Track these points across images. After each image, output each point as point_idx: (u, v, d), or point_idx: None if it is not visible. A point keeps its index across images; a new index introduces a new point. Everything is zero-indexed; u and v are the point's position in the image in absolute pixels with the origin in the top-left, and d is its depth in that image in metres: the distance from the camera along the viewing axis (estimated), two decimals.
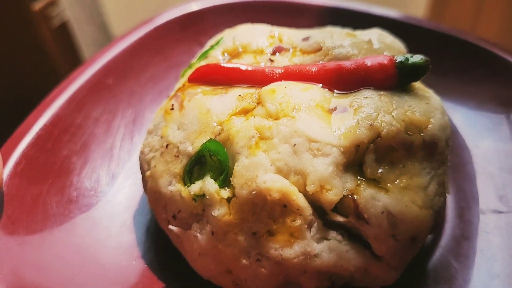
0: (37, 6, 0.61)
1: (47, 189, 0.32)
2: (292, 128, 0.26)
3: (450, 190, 0.36)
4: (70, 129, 0.36)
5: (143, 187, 0.31)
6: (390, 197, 0.25)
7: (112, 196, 0.34)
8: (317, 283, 0.27)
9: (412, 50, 0.43)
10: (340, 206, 0.26)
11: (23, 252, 0.28)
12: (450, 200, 0.36)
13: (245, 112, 0.28)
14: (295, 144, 0.25)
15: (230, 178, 0.26)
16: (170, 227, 0.28)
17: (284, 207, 0.25)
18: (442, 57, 0.44)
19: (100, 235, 0.31)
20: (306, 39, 0.33)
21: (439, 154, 0.28)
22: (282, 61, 0.32)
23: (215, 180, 0.26)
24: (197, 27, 0.46)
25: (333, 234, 0.26)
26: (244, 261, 0.26)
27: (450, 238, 0.33)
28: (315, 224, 0.25)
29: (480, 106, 0.40)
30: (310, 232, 0.25)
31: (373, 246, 0.26)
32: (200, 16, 0.47)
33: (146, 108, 0.40)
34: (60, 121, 0.35)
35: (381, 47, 0.32)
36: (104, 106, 0.38)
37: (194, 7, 0.47)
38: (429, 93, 0.30)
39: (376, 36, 0.33)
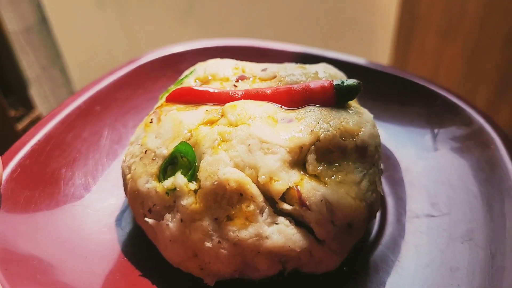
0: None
1: (38, 194, 0.37)
2: (248, 132, 0.32)
3: (391, 200, 0.42)
4: (61, 146, 0.41)
5: (124, 191, 0.36)
6: (328, 189, 0.31)
7: (96, 202, 0.39)
8: (270, 264, 0.31)
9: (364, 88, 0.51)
10: (287, 197, 0.31)
11: (15, 240, 0.32)
12: (390, 207, 0.42)
13: (211, 122, 0.34)
14: (249, 145, 0.31)
15: (197, 173, 0.31)
16: (146, 219, 0.33)
17: (240, 195, 0.30)
18: (388, 91, 0.52)
19: (84, 233, 0.36)
20: (264, 70, 0.40)
21: (369, 157, 0.34)
22: (244, 87, 0.38)
23: (184, 175, 0.32)
24: (175, 66, 0.53)
25: (281, 219, 0.31)
26: (207, 244, 0.31)
27: (389, 237, 0.39)
28: (266, 210, 0.31)
29: (415, 129, 0.47)
30: (262, 217, 0.30)
31: (315, 231, 0.31)
32: (179, 57, 0.54)
33: (129, 132, 0.46)
34: (52, 139, 0.40)
35: (325, 76, 0.39)
36: (92, 128, 0.44)
37: (174, 49, 0.54)
38: (363, 110, 0.37)
39: (322, 68, 0.40)
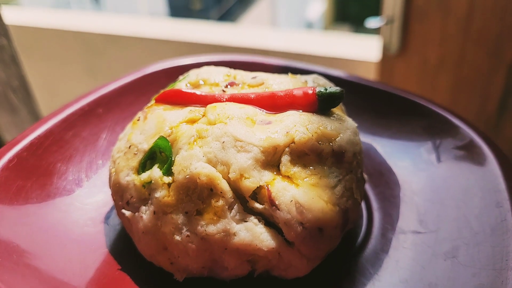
0: None
1: (30, 184, 0.38)
2: (223, 130, 0.32)
3: (378, 214, 0.42)
4: (59, 143, 0.43)
5: (109, 185, 0.38)
6: (299, 190, 0.31)
7: (85, 197, 0.40)
8: (238, 262, 0.31)
9: (362, 106, 0.51)
10: (259, 196, 0.31)
11: (0, 225, 0.34)
12: (377, 221, 0.41)
13: (192, 121, 0.35)
14: (223, 142, 0.32)
15: (172, 168, 0.32)
16: (123, 211, 0.34)
17: (210, 190, 0.31)
18: (387, 111, 0.52)
19: (68, 224, 0.37)
20: (254, 77, 0.41)
21: (346, 163, 0.34)
22: (233, 92, 0.39)
23: (160, 169, 0.33)
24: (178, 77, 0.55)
25: (251, 218, 0.31)
26: (177, 237, 0.31)
27: (371, 251, 0.38)
28: (236, 207, 0.31)
29: (412, 147, 0.47)
30: (231, 213, 0.31)
31: (284, 231, 0.31)
32: (183, 69, 0.55)
33: None
34: (51, 135, 0.43)
35: (314, 85, 0.40)
36: (92, 129, 0.46)
37: (179, 62, 0.56)
38: (346, 118, 0.37)
39: (312, 78, 0.41)
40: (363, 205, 0.43)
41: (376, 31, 0.95)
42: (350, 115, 0.43)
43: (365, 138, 0.49)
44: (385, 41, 0.91)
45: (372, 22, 0.90)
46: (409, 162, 0.46)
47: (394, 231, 0.39)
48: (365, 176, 0.39)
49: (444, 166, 0.44)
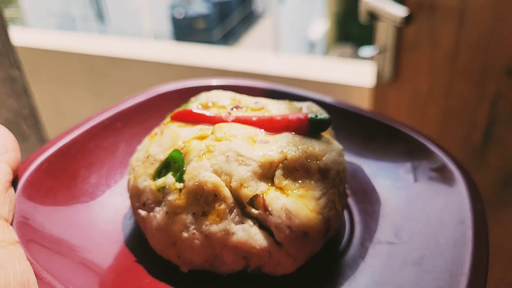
0: None
1: (58, 186, 0.44)
2: (228, 146, 0.39)
3: (359, 227, 0.47)
4: (83, 151, 0.49)
5: (127, 189, 0.44)
6: (289, 199, 0.37)
7: (105, 199, 0.46)
8: (235, 258, 0.37)
9: (353, 130, 0.57)
10: (255, 203, 0.37)
11: (33, 215, 0.39)
12: (357, 233, 0.47)
13: (202, 138, 0.41)
14: (228, 156, 0.38)
15: (184, 176, 0.38)
16: (139, 211, 0.40)
17: (215, 196, 0.37)
18: (374, 137, 0.58)
19: (90, 221, 0.43)
20: (256, 102, 0.47)
21: (330, 179, 0.40)
22: (237, 114, 0.46)
23: (174, 177, 0.39)
24: (190, 98, 0.61)
25: (248, 221, 0.37)
26: (184, 234, 0.37)
27: (350, 257, 0.44)
28: (235, 211, 0.37)
29: (394, 170, 0.53)
30: (231, 216, 0.37)
31: (274, 233, 0.37)
32: (195, 90, 0.62)
33: None
34: (77, 144, 0.49)
35: (308, 112, 0.46)
36: (111, 140, 0.52)
37: (192, 83, 0.63)
38: (334, 141, 0.43)
39: (306, 105, 0.47)
40: (346, 218, 0.49)
41: (371, 57, 1.02)
42: (340, 138, 0.50)
43: (354, 159, 0.55)
44: (378, 69, 0.98)
45: (365, 51, 0.97)
46: (390, 181, 0.52)
47: (371, 241, 0.45)
48: (348, 191, 0.46)
49: (419, 186, 0.50)
